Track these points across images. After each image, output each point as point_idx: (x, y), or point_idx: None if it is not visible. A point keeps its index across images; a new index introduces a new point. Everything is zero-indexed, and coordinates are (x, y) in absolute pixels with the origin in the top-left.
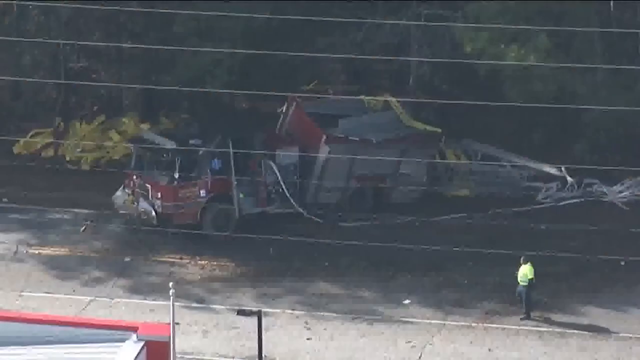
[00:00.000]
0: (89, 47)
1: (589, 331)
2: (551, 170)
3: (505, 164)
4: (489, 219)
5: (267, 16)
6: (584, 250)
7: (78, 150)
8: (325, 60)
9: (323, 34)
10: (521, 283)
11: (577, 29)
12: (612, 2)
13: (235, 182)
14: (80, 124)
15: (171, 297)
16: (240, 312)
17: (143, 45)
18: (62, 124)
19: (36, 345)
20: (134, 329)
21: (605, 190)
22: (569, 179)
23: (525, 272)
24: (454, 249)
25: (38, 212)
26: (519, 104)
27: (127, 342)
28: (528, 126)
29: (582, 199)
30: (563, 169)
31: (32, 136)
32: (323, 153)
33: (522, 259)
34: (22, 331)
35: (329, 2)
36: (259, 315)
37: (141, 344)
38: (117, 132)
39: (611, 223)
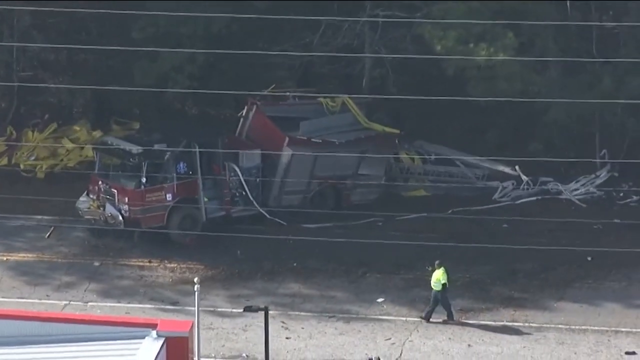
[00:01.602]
0: (42, 56)
1: (565, 325)
2: (505, 169)
3: (459, 160)
4: (449, 218)
5: (229, 15)
6: (548, 247)
7: (32, 158)
8: (281, 64)
9: (279, 38)
10: (434, 288)
11: (547, 23)
12: (568, 3)
13: (202, 186)
14: (33, 132)
15: (196, 293)
16: (247, 309)
17: (120, 47)
18: (14, 132)
19: (56, 344)
20: (153, 326)
21: (561, 188)
22: (523, 177)
23: (438, 277)
24: (437, 244)
25: (0, 219)
26: (479, 99)
27: (146, 338)
28: (482, 126)
29: (539, 197)
30: (517, 167)
31: None
32: (285, 155)
33: (436, 263)
34: (41, 330)
35: (285, 5)
36: (265, 311)
37: (162, 340)
38: (70, 140)
39: (571, 220)
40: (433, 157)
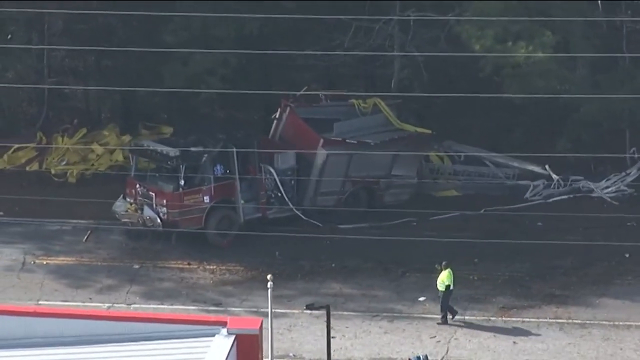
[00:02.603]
0: (71, 62)
1: (608, 321)
2: (535, 168)
3: (488, 160)
4: (483, 218)
5: (261, 15)
6: (584, 244)
7: (63, 163)
8: (311, 66)
9: (309, 40)
10: (439, 289)
11: (580, 19)
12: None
13: (239, 187)
14: (62, 137)
15: (269, 290)
16: (309, 307)
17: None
18: (44, 138)
19: (126, 343)
20: (223, 324)
21: (592, 186)
22: (554, 176)
23: (442, 278)
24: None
25: (36, 224)
26: (511, 96)
27: (217, 336)
28: (509, 126)
29: (571, 196)
30: (547, 166)
31: (14, 151)
32: (321, 157)
33: (442, 264)
34: (112, 329)
35: (316, 6)
36: (327, 309)
37: (232, 337)
38: (99, 145)
39: (605, 218)
40: (462, 156)
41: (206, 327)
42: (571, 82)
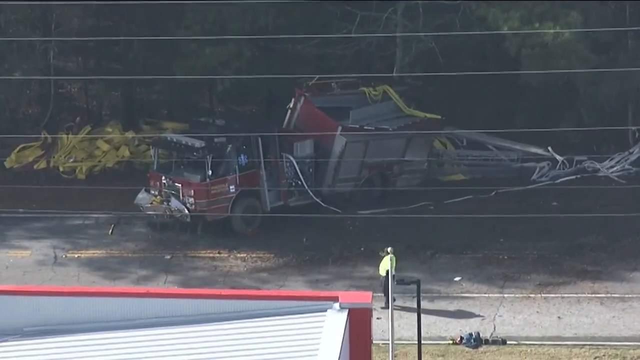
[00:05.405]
0: (76, 59)
1: None
2: (538, 150)
3: (491, 144)
4: (496, 200)
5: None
6: (606, 221)
7: (71, 160)
8: (322, 56)
9: (317, 30)
10: (381, 274)
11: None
12: None
13: (264, 176)
14: (68, 135)
15: (388, 261)
16: (400, 282)
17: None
18: (48, 137)
19: (239, 320)
20: (335, 298)
21: (598, 166)
22: (557, 157)
23: (384, 264)
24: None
25: (59, 219)
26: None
27: (329, 311)
28: (510, 110)
29: (578, 176)
30: (550, 148)
31: (20, 150)
32: (339, 144)
33: (386, 250)
34: (223, 307)
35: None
36: (417, 284)
37: (345, 312)
38: (105, 142)
39: (617, 196)
40: (465, 141)
41: (318, 303)
42: (591, 63)
